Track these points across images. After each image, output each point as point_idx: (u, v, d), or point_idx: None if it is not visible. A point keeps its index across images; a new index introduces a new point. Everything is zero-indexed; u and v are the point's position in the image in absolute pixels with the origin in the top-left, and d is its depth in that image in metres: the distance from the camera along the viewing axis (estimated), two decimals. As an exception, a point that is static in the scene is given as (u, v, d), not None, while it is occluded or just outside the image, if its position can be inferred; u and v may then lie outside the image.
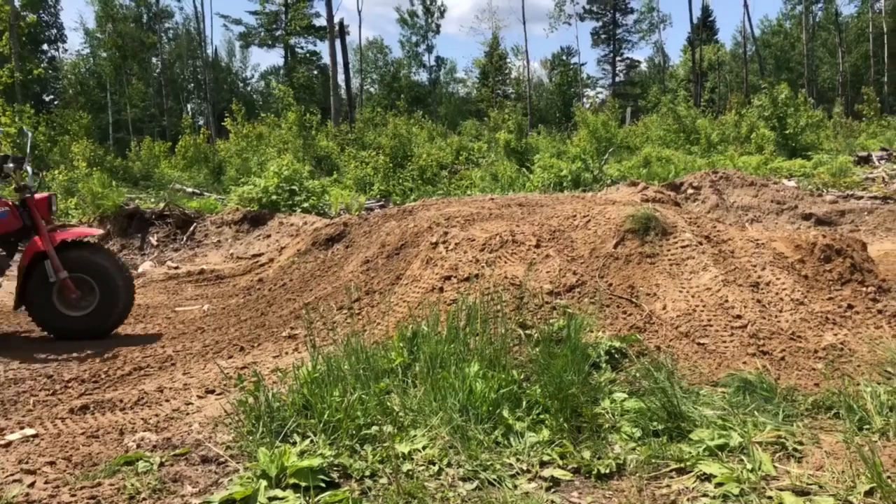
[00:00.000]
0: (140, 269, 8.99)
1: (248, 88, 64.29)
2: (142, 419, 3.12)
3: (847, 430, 2.53)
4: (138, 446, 2.71)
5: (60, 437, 2.94)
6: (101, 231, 5.58)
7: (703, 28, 51.83)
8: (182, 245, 11.00)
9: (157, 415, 3.17)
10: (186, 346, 4.68)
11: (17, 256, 5.31)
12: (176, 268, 8.96)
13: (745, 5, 53.92)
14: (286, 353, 4.22)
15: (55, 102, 47.25)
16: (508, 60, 58.65)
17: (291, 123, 20.63)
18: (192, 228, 11.31)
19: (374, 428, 2.65)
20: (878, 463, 2.12)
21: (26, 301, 5.10)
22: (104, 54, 49.29)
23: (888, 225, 9.22)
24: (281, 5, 54.14)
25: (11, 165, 4.90)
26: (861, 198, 11.42)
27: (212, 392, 3.50)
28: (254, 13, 55.51)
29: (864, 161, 17.36)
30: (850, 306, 3.78)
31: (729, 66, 56.21)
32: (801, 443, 2.46)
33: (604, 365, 3.24)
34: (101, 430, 2.98)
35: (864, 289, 3.96)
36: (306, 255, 7.01)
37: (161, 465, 2.48)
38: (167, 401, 3.40)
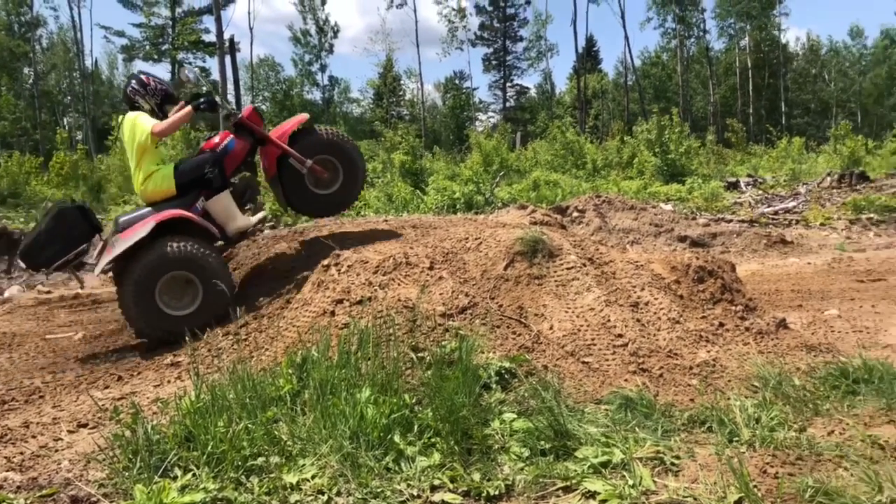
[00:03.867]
0: (6, 294, 8.34)
1: (132, 103, 61.29)
2: (4, 458, 2.89)
3: (719, 442, 2.68)
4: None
5: None
6: (308, 115, 5.48)
7: (588, 58, 54.32)
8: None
9: (21, 453, 2.94)
10: (57, 377, 4.38)
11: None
12: (48, 292, 8.36)
13: (626, 38, 57.39)
14: (168, 381, 4.03)
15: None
16: (402, 82, 59.17)
17: (178, 140, 19.82)
18: (67, 250, 10.59)
19: (261, 458, 2.57)
20: (745, 473, 2.26)
21: (289, 202, 5.51)
22: (-30, 63, 45.78)
23: (754, 247, 9.92)
24: (168, 19, 52.10)
25: (217, 99, 5.07)
26: (731, 221, 12.23)
27: (84, 426, 3.29)
28: (138, 26, 52.90)
29: (734, 186, 18.66)
30: (721, 324, 4.03)
31: (611, 94, 59.08)
32: (678, 457, 2.58)
33: (494, 385, 3.29)
34: (-45, 473, 2.74)
35: (734, 308, 4.24)
36: (192, 278, 6.72)
37: (25, 508, 2.30)
38: (33, 437, 3.17)
